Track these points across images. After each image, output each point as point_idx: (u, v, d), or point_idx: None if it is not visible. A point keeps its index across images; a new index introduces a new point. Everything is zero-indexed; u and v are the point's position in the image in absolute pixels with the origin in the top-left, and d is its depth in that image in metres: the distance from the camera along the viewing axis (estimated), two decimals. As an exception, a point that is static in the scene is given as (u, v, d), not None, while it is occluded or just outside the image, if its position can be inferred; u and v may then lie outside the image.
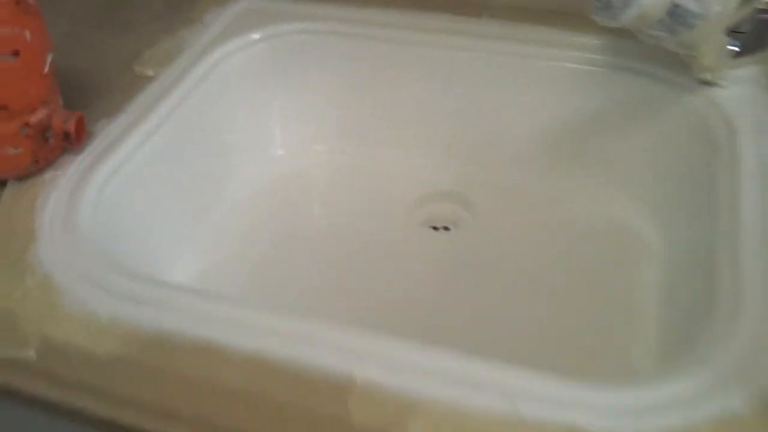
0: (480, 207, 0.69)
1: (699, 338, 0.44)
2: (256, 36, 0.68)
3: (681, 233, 0.59)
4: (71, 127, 0.53)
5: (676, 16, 0.49)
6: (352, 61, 0.71)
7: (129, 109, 0.60)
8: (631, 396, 0.40)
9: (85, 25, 0.72)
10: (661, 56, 0.61)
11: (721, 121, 0.57)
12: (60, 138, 0.54)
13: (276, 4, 0.73)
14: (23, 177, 0.54)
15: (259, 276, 0.63)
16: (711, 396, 0.39)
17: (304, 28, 0.70)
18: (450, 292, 0.62)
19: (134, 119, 0.59)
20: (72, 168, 0.55)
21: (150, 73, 0.64)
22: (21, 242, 0.50)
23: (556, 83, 0.67)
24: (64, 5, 0.76)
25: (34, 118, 0.52)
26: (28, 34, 0.49)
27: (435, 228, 0.68)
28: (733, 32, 0.56)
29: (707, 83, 0.59)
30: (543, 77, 0.67)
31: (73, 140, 0.54)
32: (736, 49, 0.56)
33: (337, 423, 0.39)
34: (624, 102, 0.65)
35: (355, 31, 0.70)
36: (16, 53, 0.48)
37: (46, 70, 0.52)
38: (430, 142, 0.72)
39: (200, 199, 0.65)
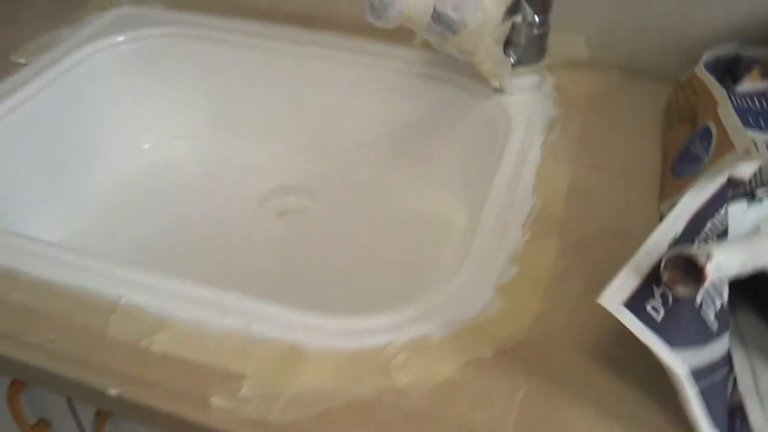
0: (321, 197, 0.78)
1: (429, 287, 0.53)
2: (120, 38, 0.77)
3: (473, 212, 0.67)
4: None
5: (441, 22, 0.58)
6: (210, 64, 0.80)
7: (-2, 90, 0.69)
8: (349, 323, 0.48)
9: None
10: (466, 68, 0.71)
11: (504, 120, 0.66)
12: None
13: (153, 12, 0.82)
14: None
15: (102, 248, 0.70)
16: (411, 324, 0.47)
17: (167, 32, 0.79)
18: (280, 260, 0.70)
19: (-1, 97, 0.68)
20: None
21: (22, 61, 0.72)
22: None
23: (382, 89, 0.76)
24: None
25: None
26: None
27: (286, 214, 0.77)
28: (510, 45, 0.65)
29: (498, 90, 0.68)
30: (371, 84, 0.76)
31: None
32: (512, 60, 0.65)
33: (95, 335, 0.46)
34: (435, 106, 0.74)
35: (214, 36, 0.79)
36: None
37: None
38: (279, 139, 0.81)
39: (61, 179, 0.73)
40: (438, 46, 0.63)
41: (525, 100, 0.67)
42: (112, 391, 0.43)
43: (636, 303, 0.42)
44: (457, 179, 0.74)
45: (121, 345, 0.46)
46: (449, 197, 0.74)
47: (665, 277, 0.40)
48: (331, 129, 0.80)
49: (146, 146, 0.80)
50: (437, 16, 0.58)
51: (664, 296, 0.42)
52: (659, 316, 0.41)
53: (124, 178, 0.77)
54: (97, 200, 0.74)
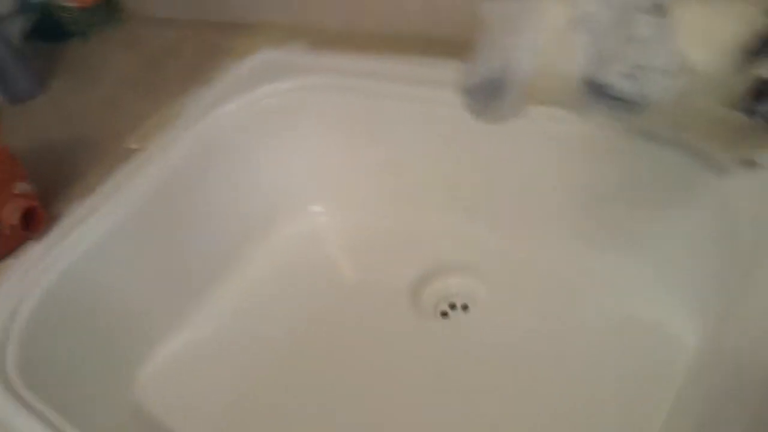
0: (496, 285, 0.57)
1: None
2: (232, 106, 0.63)
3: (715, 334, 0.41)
4: (15, 219, 0.54)
5: (605, 98, 0.33)
6: (347, 117, 0.62)
7: (104, 187, 0.59)
8: None
9: (124, 87, 0.73)
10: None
11: (749, 213, 0.38)
12: (10, 229, 0.55)
13: (292, 56, 0.66)
14: (-12, 266, 0.57)
15: (238, 358, 0.59)
16: None
17: (302, 84, 0.63)
18: (426, 385, 0.53)
19: (103, 198, 0.59)
20: (28, 256, 0.56)
21: (135, 146, 0.62)
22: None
23: (583, 148, 0.52)
24: (123, 63, 0.78)
25: (-22, 215, 0.54)
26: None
27: (444, 313, 0.58)
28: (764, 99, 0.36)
29: (745, 162, 0.39)
30: (569, 141, 0.52)
31: (20, 231, 0.55)
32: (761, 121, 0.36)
33: None
34: (653, 175, 0.49)
35: (361, 84, 0.61)
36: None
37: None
38: (443, 206, 0.61)
39: (185, 280, 0.62)
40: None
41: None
42: None
43: None
44: (682, 279, 0.48)
45: None
46: (669, 301, 0.49)
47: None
48: (512, 196, 0.58)
49: (282, 219, 0.66)
50: (597, 90, 0.33)
51: None
52: None
53: (259, 263, 0.65)
54: (225, 297, 0.63)
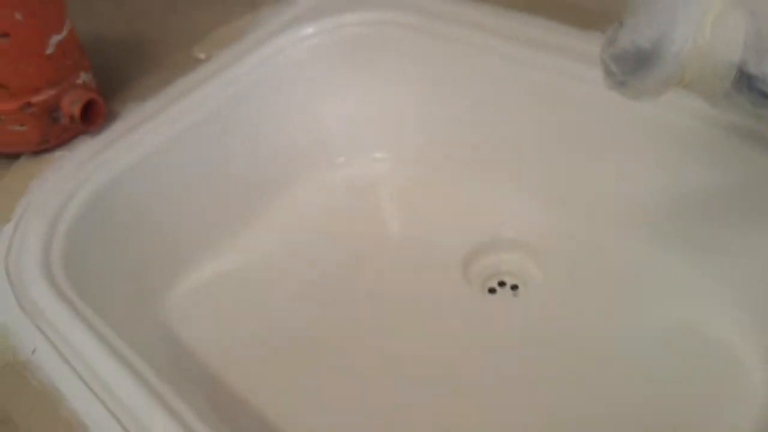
0: (551, 270, 0.55)
1: None
2: (310, 30, 0.60)
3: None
4: (76, 110, 0.52)
5: (756, 92, 0.30)
6: (433, 65, 0.59)
7: (165, 92, 0.57)
8: None
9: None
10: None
11: None
12: (69, 119, 0.53)
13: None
14: (37, 152, 0.54)
15: (269, 295, 0.57)
16: None
17: (394, 19, 0.60)
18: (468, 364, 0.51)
19: (164, 104, 0.57)
20: (82, 150, 0.54)
21: (202, 56, 0.60)
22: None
23: (667, 139, 0.49)
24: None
25: (38, 98, 0.51)
26: (19, 16, 0.48)
27: (492, 290, 0.56)
28: None
29: None
30: (654, 129, 0.50)
31: (78, 123, 0.53)
32: None
33: None
34: (746, 179, 0.46)
35: (455, 32, 0.58)
36: (5, 35, 0.48)
37: (50, 51, 0.50)
38: (508, 173, 0.59)
39: (234, 205, 0.60)
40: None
41: None
42: None
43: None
44: (758, 300, 0.46)
45: None
46: (750, 328, 0.46)
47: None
48: (582, 176, 0.55)
49: (341, 159, 0.64)
50: (745, 81, 0.31)
51: None
52: None
53: (309, 201, 0.62)
54: (270, 229, 0.61)
